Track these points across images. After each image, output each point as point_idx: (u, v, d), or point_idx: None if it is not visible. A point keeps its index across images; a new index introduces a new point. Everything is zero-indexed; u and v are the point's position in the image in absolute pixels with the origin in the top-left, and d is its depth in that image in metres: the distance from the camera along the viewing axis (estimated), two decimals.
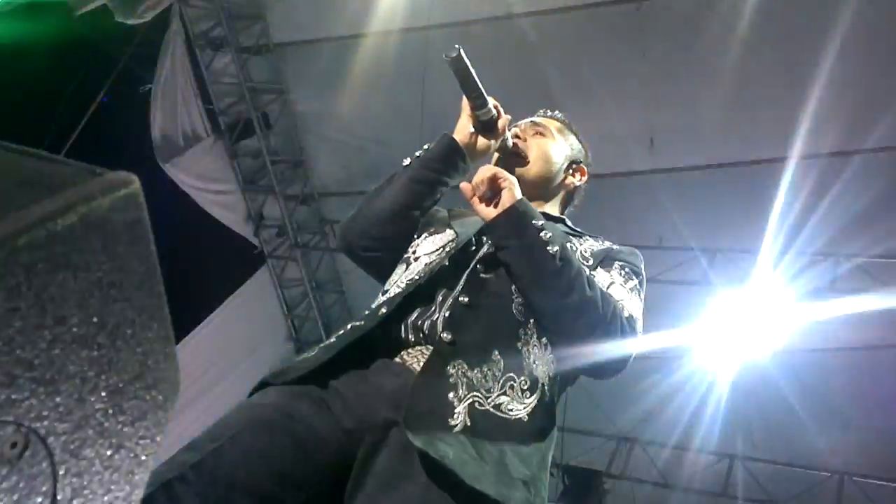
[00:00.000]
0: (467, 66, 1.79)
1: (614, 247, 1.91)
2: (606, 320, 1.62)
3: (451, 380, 1.49)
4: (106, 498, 0.59)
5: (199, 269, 6.88)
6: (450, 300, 1.68)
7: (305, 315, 8.83)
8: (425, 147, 1.94)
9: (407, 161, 1.93)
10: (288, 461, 1.41)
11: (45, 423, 0.54)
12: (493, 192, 1.71)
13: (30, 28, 5.80)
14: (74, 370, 0.56)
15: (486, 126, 1.89)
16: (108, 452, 0.59)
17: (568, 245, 1.73)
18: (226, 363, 7.80)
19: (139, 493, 0.63)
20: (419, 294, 1.71)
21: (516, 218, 1.67)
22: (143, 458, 0.64)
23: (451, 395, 1.48)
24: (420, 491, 1.36)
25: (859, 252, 6.37)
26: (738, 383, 7.50)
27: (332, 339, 1.71)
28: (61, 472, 0.55)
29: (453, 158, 1.89)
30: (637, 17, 6.11)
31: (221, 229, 7.93)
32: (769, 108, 6.08)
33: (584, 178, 2.15)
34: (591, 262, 1.81)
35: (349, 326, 1.73)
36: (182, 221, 6.99)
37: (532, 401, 1.56)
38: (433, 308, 1.68)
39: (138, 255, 0.63)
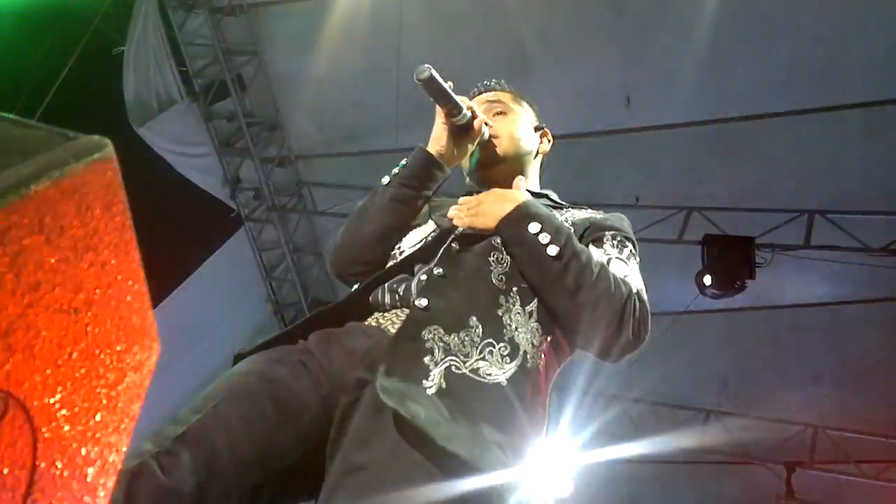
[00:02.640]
0: (440, 83, 1.80)
1: (598, 215, 1.92)
2: (619, 309, 1.62)
3: (426, 344, 1.50)
4: (86, 463, 0.60)
5: (175, 232, 6.84)
6: (424, 271, 1.72)
7: (284, 277, 8.83)
8: (402, 163, 1.96)
9: (385, 179, 1.95)
10: (270, 426, 1.43)
11: (24, 388, 0.54)
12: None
13: None
14: (51, 335, 0.56)
15: (462, 129, 1.91)
16: (87, 417, 0.60)
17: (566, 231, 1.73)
18: (204, 326, 7.81)
19: (119, 458, 0.63)
20: (397, 270, 1.77)
21: (513, 225, 1.71)
22: (123, 422, 0.64)
23: (426, 358, 1.48)
24: (391, 446, 1.37)
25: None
26: (717, 337, 7.61)
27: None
28: (41, 438, 0.55)
29: (431, 171, 1.92)
30: None
31: (198, 192, 7.88)
32: (745, 65, 6.09)
33: (551, 139, 2.19)
34: (577, 235, 1.81)
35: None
36: (158, 185, 6.93)
37: (512, 366, 1.55)
38: (410, 278, 1.73)
39: (114, 219, 0.63)
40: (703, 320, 7.27)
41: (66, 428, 0.58)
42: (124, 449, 0.65)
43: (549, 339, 1.68)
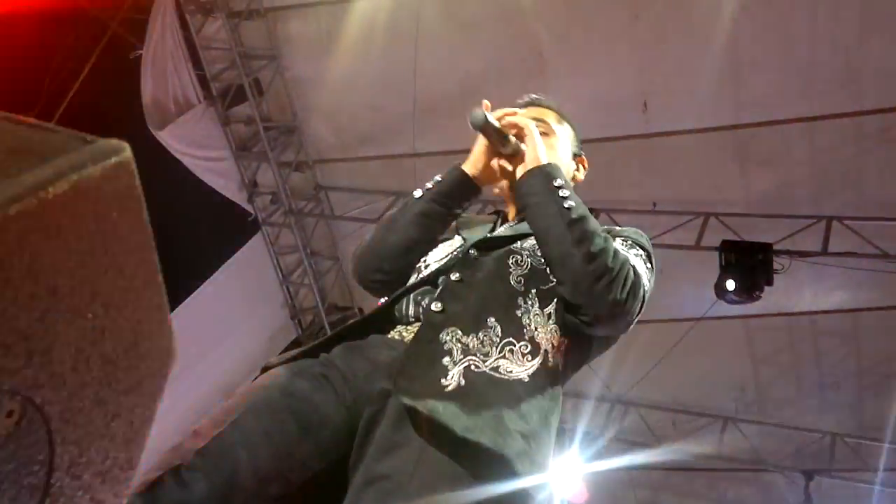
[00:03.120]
0: (492, 124, 1.81)
1: (615, 228, 1.93)
2: (615, 272, 1.63)
3: (444, 346, 1.52)
4: (103, 466, 0.60)
5: (193, 236, 6.87)
6: (443, 279, 1.73)
7: (300, 282, 8.83)
8: (436, 178, 1.96)
9: (419, 193, 1.95)
10: (291, 440, 1.43)
11: (42, 392, 0.54)
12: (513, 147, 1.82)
13: None
14: (69, 339, 0.56)
15: (509, 157, 1.90)
16: (105, 421, 0.60)
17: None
18: (221, 330, 7.81)
19: (137, 462, 0.63)
20: (422, 283, 1.78)
21: (539, 178, 1.76)
22: (140, 426, 0.64)
23: (445, 359, 1.49)
24: (415, 455, 1.37)
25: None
26: (734, 343, 7.56)
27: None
28: (58, 441, 0.55)
29: (465, 191, 1.94)
30: None
31: (215, 196, 7.90)
32: (762, 72, 6.06)
33: (586, 167, 2.15)
34: None
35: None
36: (175, 189, 6.96)
37: (534, 363, 1.57)
38: (434, 290, 1.74)
39: (131, 222, 0.63)
40: (720, 327, 7.21)
41: (83, 431, 0.58)
42: (141, 451, 0.65)
43: (567, 341, 1.69)
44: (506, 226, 1.98)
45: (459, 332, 1.54)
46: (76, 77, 6.39)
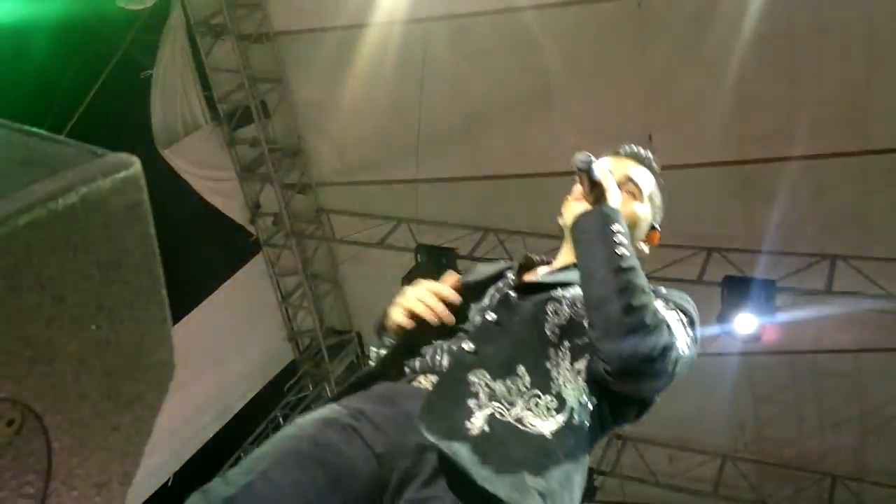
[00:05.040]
0: (593, 172, 1.70)
1: (662, 289, 1.83)
2: (649, 329, 1.55)
3: (471, 388, 1.49)
4: (100, 478, 0.59)
5: (195, 255, 6.88)
6: (478, 319, 1.69)
7: (299, 304, 8.83)
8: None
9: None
10: (320, 493, 1.40)
11: (42, 401, 0.54)
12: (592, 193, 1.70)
13: (32, 11, 5.78)
14: (72, 350, 0.56)
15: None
16: (104, 433, 0.60)
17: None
18: (218, 349, 7.80)
19: (133, 475, 0.63)
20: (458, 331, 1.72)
21: (599, 218, 1.66)
22: (138, 440, 0.64)
23: (470, 401, 1.47)
24: None
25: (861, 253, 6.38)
26: (735, 380, 7.52)
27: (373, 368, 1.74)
28: (56, 451, 0.55)
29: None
30: (637, 14, 6.11)
31: (218, 216, 7.92)
32: (769, 108, 6.08)
33: (655, 243, 2.05)
34: None
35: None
36: (180, 207, 6.98)
37: (560, 420, 1.52)
38: (466, 334, 1.68)
39: (137, 236, 0.63)
40: (721, 363, 7.19)
41: (82, 442, 0.58)
42: (137, 465, 0.64)
43: (595, 401, 1.62)
44: (549, 270, 1.91)
45: (488, 376, 1.52)
46: (86, 94, 6.44)
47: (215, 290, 7.82)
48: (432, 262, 6.81)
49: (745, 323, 6.30)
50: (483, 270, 1.91)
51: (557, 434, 1.50)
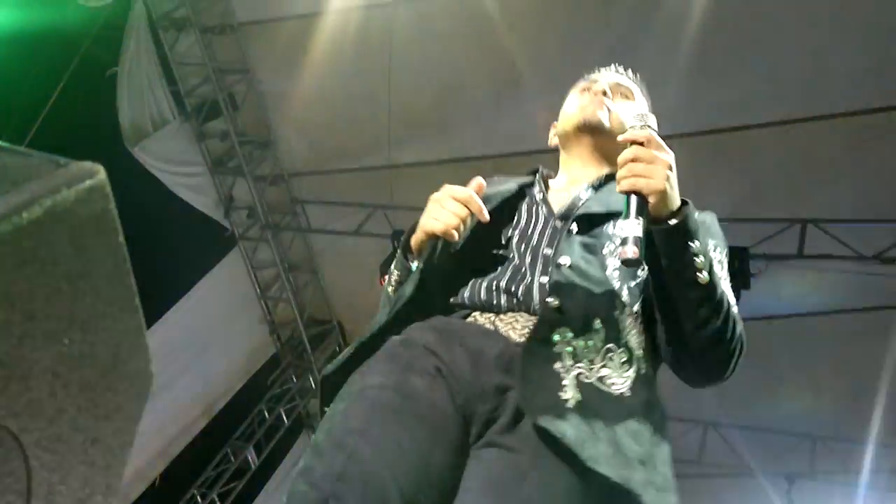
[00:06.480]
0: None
1: (706, 218, 1.72)
2: (732, 352, 1.52)
3: (555, 348, 1.40)
4: (83, 493, 0.59)
5: (169, 252, 6.83)
6: (543, 260, 1.55)
7: (279, 296, 8.79)
8: None
9: None
10: (424, 450, 1.31)
11: (18, 419, 0.53)
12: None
13: None
14: (46, 365, 0.55)
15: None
16: (83, 447, 0.59)
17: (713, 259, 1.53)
18: (198, 346, 7.77)
19: (117, 487, 0.63)
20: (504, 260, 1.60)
21: (677, 237, 1.44)
22: (119, 450, 0.64)
23: (556, 364, 1.39)
24: (538, 479, 1.31)
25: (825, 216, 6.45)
26: None
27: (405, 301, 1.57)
28: (36, 469, 0.55)
29: None
30: None
31: (191, 212, 7.87)
32: (735, 76, 6.11)
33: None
34: None
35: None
36: (151, 205, 6.93)
37: (630, 374, 1.44)
38: (524, 270, 1.56)
39: (106, 246, 0.62)
40: None
41: (61, 458, 0.58)
42: (121, 476, 0.64)
43: (652, 344, 1.56)
44: (588, 191, 1.71)
45: (570, 335, 1.42)
46: (49, 95, 6.35)
47: (193, 286, 7.77)
48: None
49: None
50: (501, 185, 1.75)
51: (633, 389, 1.43)
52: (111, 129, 6.90)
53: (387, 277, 1.74)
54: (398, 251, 1.69)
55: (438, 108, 6.70)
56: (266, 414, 8.49)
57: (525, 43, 6.42)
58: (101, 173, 0.63)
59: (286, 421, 8.66)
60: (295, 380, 8.92)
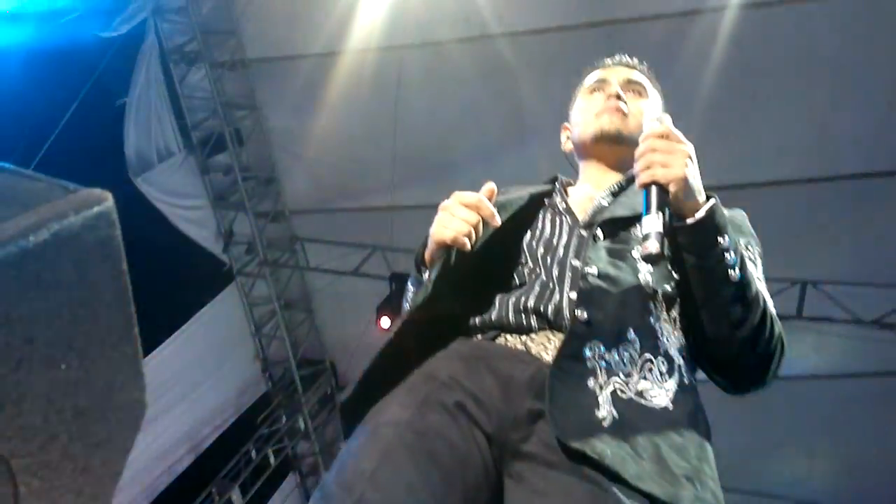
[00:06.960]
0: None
1: (736, 216, 1.69)
2: (772, 353, 1.47)
3: (588, 364, 1.31)
4: None
5: (167, 284, 6.81)
6: (571, 273, 1.46)
7: (273, 334, 8.75)
8: None
9: None
10: (437, 492, 1.23)
11: (9, 444, 0.52)
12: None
13: (3, 38, 5.74)
14: (41, 391, 0.55)
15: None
16: (73, 475, 0.58)
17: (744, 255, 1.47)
18: (190, 382, 7.70)
19: None
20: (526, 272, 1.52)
21: (703, 232, 1.39)
22: (108, 481, 0.63)
23: (590, 381, 1.30)
24: (585, 498, 1.23)
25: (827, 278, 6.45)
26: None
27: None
28: (23, 495, 0.54)
29: None
30: (608, 43, 6.17)
31: (191, 245, 7.86)
32: (740, 135, 6.15)
33: None
34: None
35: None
36: (151, 236, 6.92)
37: (672, 385, 1.35)
38: (552, 286, 1.46)
39: (109, 274, 0.62)
40: None
41: (50, 485, 0.57)
42: (110, 501, 0.63)
43: (692, 352, 1.48)
44: (609, 196, 1.64)
45: (602, 348, 1.33)
46: (59, 121, 6.39)
47: (188, 320, 7.73)
48: None
49: None
50: (517, 193, 1.68)
51: (675, 401, 1.34)
52: (117, 157, 6.93)
53: (405, 295, 1.68)
54: (415, 265, 1.61)
55: (443, 151, 6.74)
56: (253, 454, 8.38)
57: (533, 90, 6.47)
58: (109, 200, 0.63)
59: (273, 462, 8.54)
60: (284, 419, 8.83)
